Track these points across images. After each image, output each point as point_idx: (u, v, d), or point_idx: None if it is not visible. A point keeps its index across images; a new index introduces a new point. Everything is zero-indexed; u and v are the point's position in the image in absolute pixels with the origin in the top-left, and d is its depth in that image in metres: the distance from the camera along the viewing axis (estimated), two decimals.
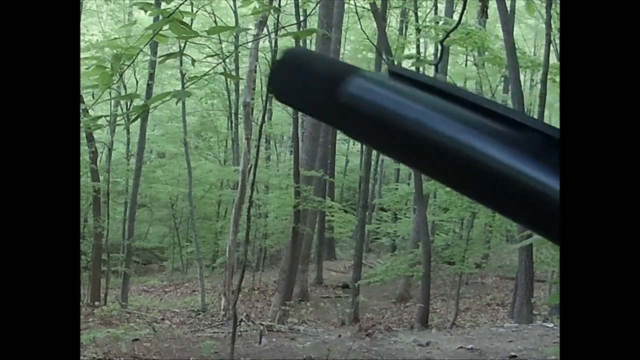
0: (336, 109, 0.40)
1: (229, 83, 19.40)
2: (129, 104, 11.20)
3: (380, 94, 0.40)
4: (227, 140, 22.28)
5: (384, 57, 11.61)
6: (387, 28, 15.80)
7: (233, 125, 20.70)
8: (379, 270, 14.04)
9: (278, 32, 11.48)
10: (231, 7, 16.78)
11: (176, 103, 3.67)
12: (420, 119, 0.38)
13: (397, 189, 19.15)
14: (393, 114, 0.38)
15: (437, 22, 14.41)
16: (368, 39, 15.60)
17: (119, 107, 15.66)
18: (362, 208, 14.34)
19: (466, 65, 21.08)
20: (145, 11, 2.93)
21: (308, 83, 0.43)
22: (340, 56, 17.16)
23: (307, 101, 0.43)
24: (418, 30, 16.71)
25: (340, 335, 9.16)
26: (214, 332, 9.78)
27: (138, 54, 2.89)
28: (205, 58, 9.50)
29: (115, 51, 2.82)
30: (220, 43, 15.93)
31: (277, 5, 9.76)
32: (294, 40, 13.05)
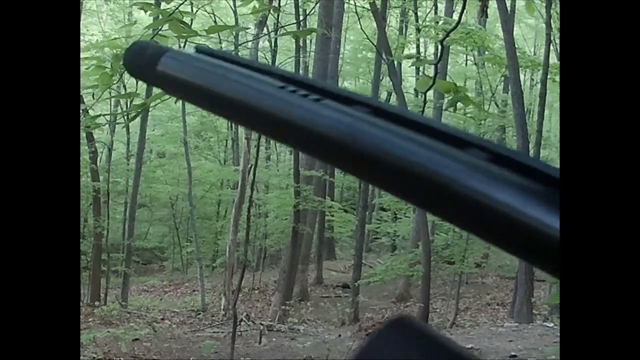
0: (157, 78, 0.57)
1: None
2: (128, 103, 11.21)
3: (180, 67, 0.55)
4: (227, 140, 22.29)
5: (384, 56, 11.61)
6: (387, 28, 15.80)
7: (233, 125, 20.69)
8: (379, 270, 14.05)
9: (278, 32, 11.48)
10: (231, 6, 16.78)
11: (175, 102, 3.67)
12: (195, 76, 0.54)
13: None
14: (186, 80, 0.55)
15: (437, 22, 14.42)
16: (368, 38, 15.59)
17: (118, 107, 15.67)
18: (362, 208, 14.34)
19: (466, 64, 21.10)
20: (145, 11, 2.93)
21: (143, 62, 0.58)
22: (340, 56, 17.16)
23: (143, 75, 0.59)
24: (418, 30, 16.72)
25: (340, 335, 9.17)
26: (214, 332, 9.79)
27: None
28: None
29: (115, 51, 2.82)
30: (220, 43, 15.95)
31: (276, 5, 9.76)
32: (294, 40, 13.06)
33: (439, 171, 0.40)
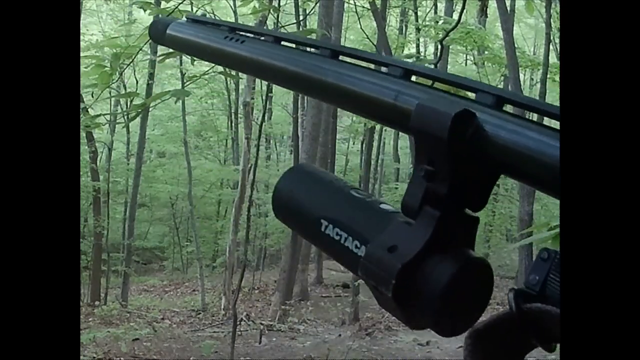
0: (168, 40, 0.82)
1: (228, 82, 19.40)
2: (128, 103, 11.20)
3: (181, 31, 0.80)
4: (227, 140, 22.28)
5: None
6: (386, 27, 15.80)
7: (233, 124, 20.70)
8: None
9: None
10: (231, 6, 16.79)
11: (175, 102, 3.67)
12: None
13: (397, 188, 19.14)
14: (184, 39, 0.79)
15: (437, 22, 14.42)
16: (368, 38, 15.60)
17: (118, 107, 15.66)
18: None
19: (466, 64, 21.10)
20: (145, 10, 2.93)
21: (161, 29, 0.83)
22: None
23: (160, 38, 0.83)
24: (418, 29, 16.73)
25: (340, 335, 9.17)
26: (214, 332, 9.79)
27: (137, 53, 2.89)
28: None
29: (114, 50, 2.82)
30: None
31: (276, 5, 9.75)
32: None
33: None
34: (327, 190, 0.54)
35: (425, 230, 0.45)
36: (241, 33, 0.72)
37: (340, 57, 0.61)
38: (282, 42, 0.67)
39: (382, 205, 0.51)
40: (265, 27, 11.03)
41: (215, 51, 0.74)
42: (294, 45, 0.67)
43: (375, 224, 0.48)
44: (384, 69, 0.57)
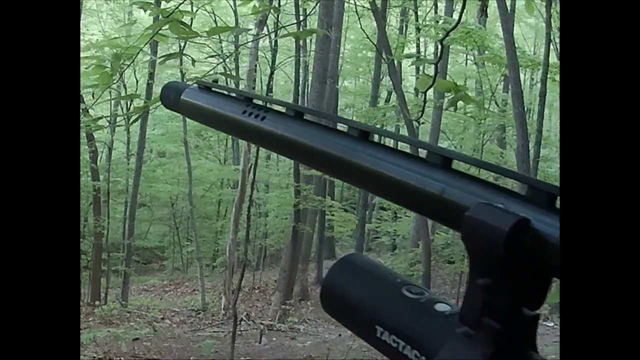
0: (182, 107, 0.81)
1: (229, 82, 19.35)
2: (129, 103, 11.20)
3: (194, 98, 0.79)
4: (227, 140, 22.29)
5: (384, 56, 11.61)
6: (387, 27, 15.80)
7: None
8: None
9: (278, 32, 11.48)
10: (231, 6, 16.78)
11: None
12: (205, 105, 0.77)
13: None
14: (198, 107, 0.78)
15: (437, 21, 14.42)
16: (368, 38, 15.59)
17: (119, 107, 15.66)
18: (363, 207, 14.35)
19: (466, 64, 21.08)
20: (145, 10, 2.93)
21: (172, 96, 0.82)
22: (340, 55, 17.15)
23: (172, 104, 0.82)
24: (418, 29, 16.72)
25: (340, 335, 9.16)
26: (214, 332, 9.78)
27: (138, 53, 2.89)
28: (205, 58, 9.50)
29: (115, 50, 2.82)
30: (220, 42, 15.93)
31: (277, 5, 9.75)
32: (294, 39, 13.05)
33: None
34: (380, 289, 0.52)
35: (487, 345, 0.44)
36: (259, 104, 0.70)
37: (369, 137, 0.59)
38: (304, 117, 0.65)
39: (437, 306, 0.49)
40: (265, 29, 11.05)
41: (235, 124, 0.71)
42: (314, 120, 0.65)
43: (434, 332, 0.47)
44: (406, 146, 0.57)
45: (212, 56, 11.24)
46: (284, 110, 0.67)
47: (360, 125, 0.59)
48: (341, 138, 0.59)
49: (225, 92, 0.75)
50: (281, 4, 13.21)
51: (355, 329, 0.53)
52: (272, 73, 12.26)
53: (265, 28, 11.11)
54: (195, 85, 0.79)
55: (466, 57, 20.36)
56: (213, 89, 0.76)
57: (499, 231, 0.42)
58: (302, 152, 0.63)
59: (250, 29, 10.37)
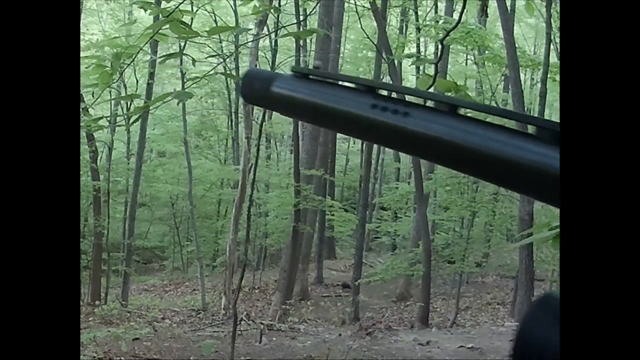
0: (271, 100, 0.66)
1: (229, 82, 19.40)
2: (129, 103, 11.20)
3: (289, 87, 0.65)
4: (227, 139, 22.29)
5: (384, 56, 11.61)
6: (387, 27, 15.79)
7: (233, 124, 20.70)
8: (380, 269, 14.05)
9: (278, 32, 11.48)
10: (231, 6, 16.78)
11: (177, 104, 3.67)
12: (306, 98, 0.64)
13: (397, 187, 19.15)
14: (297, 99, 0.64)
15: (437, 21, 14.42)
16: (368, 38, 15.59)
17: (119, 107, 15.66)
18: (363, 207, 14.33)
19: (466, 64, 21.08)
20: (145, 10, 2.93)
21: (258, 87, 0.68)
22: (341, 55, 17.15)
23: (257, 97, 0.68)
24: (418, 29, 16.71)
25: (340, 334, 9.16)
26: (215, 331, 9.78)
27: (138, 53, 2.89)
28: (206, 58, 9.50)
29: (115, 50, 2.82)
30: (221, 42, 15.93)
31: (277, 5, 9.75)
32: (294, 39, 13.05)
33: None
34: None
35: None
36: (390, 96, 0.58)
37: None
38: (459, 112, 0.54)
39: None
40: (265, 29, 11.05)
41: (358, 122, 0.58)
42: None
43: None
44: None
45: (213, 56, 11.26)
46: (424, 103, 0.56)
47: (549, 123, 0.46)
48: (522, 140, 0.47)
49: (333, 81, 0.63)
50: (281, 4, 13.22)
51: None
52: None
53: (265, 28, 11.11)
54: (290, 72, 0.66)
55: (466, 57, 20.35)
56: (312, 76, 0.64)
57: None
58: (466, 157, 0.51)
59: (251, 29, 10.37)
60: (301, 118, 0.70)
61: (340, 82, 0.63)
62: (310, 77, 0.64)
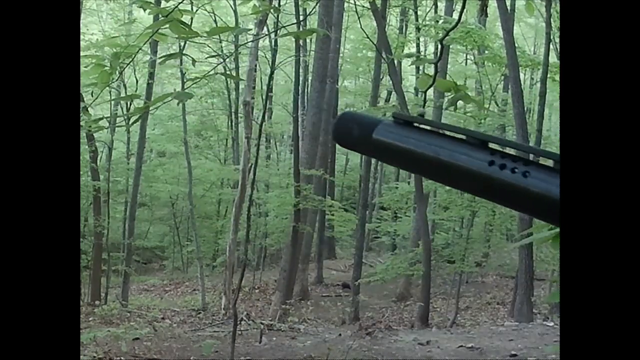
0: (372, 147, 0.64)
1: (229, 82, 19.40)
2: (129, 103, 11.20)
3: (393, 135, 0.62)
4: (227, 139, 22.29)
5: (384, 55, 11.61)
6: (387, 27, 15.80)
7: (233, 124, 20.70)
8: (380, 269, 14.05)
9: (278, 32, 11.48)
10: (231, 6, 16.79)
11: (177, 104, 3.67)
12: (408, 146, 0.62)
13: (397, 187, 19.15)
14: (402, 148, 0.61)
15: (437, 21, 14.42)
16: (368, 37, 15.59)
17: (119, 107, 15.66)
18: (363, 207, 14.34)
19: (466, 64, 21.08)
20: (145, 10, 2.93)
21: (356, 132, 0.65)
22: (340, 55, 17.14)
23: (354, 142, 0.66)
24: (418, 29, 16.72)
25: (340, 334, 9.16)
26: (215, 331, 9.78)
27: (137, 52, 2.89)
28: (205, 58, 9.50)
29: (114, 50, 2.82)
30: (220, 42, 15.93)
31: (277, 5, 9.75)
32: (294, 39, 13.05)
33: None
34: None
35: None
36: (505, 152, 0.54)
37: None
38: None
39: None
40: (265, 29, 11.05)
41: (473, 179, 0.55)
42: None
43: None
44: None
45: (212, 56, 11.27)
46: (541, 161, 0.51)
47: None
48: None
49: (439, 130, 0.60)
50: (281, 3, 13.22)
51: None
52: (272, 73, 12.25)
53: (265, 28, 11.11)
54: (390, 118, 0.63)
55: (466, 56, 20.36)
56: (416, 124, 0.61)
57: None
58: None
59: (250, 29, 10.36)
60: (406, 168, 0.66)
61: (446, 132, 0.59)
62: (415, 124, 0.61)
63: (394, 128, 0.62)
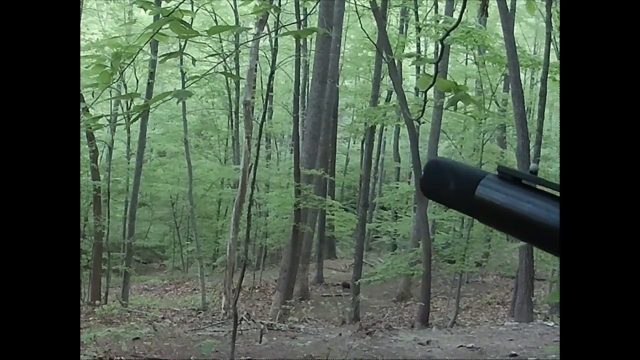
0: (472, 203, 0.53)
1: (229, 81, 19.40)
2: (129, 103, 11.19)
3: (497, 193, 0.52)
4: (227, 139, 22.30)
5: (384, 55, 11.61)
6: (387, 27, 15.79)
7: (233, 123, 20.70)
8: (380, 269, 14.05)
9: (278, 31, 11.48)
10: (231, 5, 16.79)
11: (177, 103, 3.67)
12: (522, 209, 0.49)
13: (397, 187, 19.16)
14: (506, 208, 0.50)
15: (438, 21, 14.42)
16: (368, 37, 15.59)
17: (119, 106, 15.66)
18: (363, 207, 14.34)
19: (466, 63, 21.09)
20: (145, 10, 2.93)
21: (453, 187, 0.55)
22: (341, 54, 17.14)
23: (449, 197, 0.57)
24: (418, 28, 16.72)
25: (340, 334, 9.15)
26: (215, 331, 9.78)
27: (138, 52, 2.89)
28: (206, 58, 9.50)
29: (115, 50, 2.82)
30: (221, 42, 15.94)
31: (277, 4, 9.74)
32: (294, 39, 13.05)
33: None
34: None
35: None
36: None
37: None
38: None
39: None
40: (265, 28, 11.05)
41: None
42: None
43: None
44: None
45: (213, 55, 11.27)
46: None
47: None
48: None
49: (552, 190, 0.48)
50: (281, 3, 13.22)
51: None
52: (272, 72, 12.25)
53: (265, 27, 11.11)
54: (494, 173, 0.52)
55: (466, 56, 20.36)
56: (525, 181, 0.49)
57: None
58: None
59: (251, 28, 10.36)
60: (522, 237, 0.55)
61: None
62: (524, 182, 0.50)
63: (500, 185, 0.51)
